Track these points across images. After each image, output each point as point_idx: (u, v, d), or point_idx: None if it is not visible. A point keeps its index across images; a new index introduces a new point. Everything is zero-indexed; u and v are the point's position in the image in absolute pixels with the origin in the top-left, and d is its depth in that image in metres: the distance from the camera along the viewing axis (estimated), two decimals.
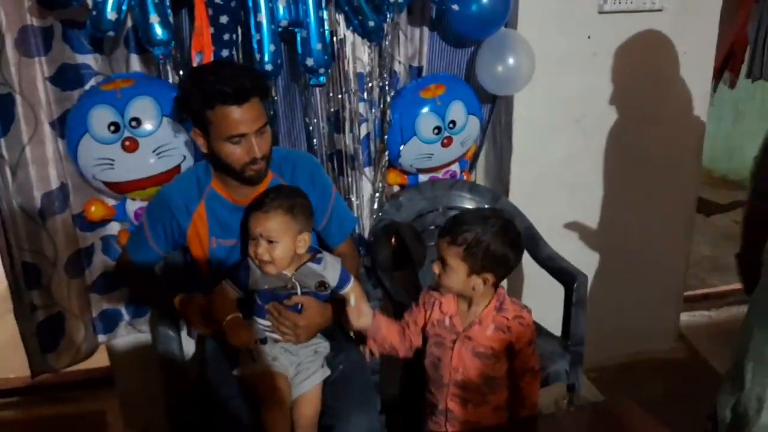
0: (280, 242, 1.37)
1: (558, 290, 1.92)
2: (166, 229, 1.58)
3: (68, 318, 1.90)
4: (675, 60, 2.23)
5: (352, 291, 1.43)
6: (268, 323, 1.47)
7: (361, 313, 1.40)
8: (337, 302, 1.49)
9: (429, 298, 1.44)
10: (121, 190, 1.78)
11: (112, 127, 1.67)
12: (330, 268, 1.45)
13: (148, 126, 1.69)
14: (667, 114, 2.31)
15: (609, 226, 2.39)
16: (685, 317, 2.74)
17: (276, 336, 1.47)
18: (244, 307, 1.48)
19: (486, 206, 2.07)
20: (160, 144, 1.71)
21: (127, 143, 1.68)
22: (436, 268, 1.36)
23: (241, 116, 1.39)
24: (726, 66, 3.27)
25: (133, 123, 1.68)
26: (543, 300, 2.05)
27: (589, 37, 2.13)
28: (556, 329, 1.94)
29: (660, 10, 2.14)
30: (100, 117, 1.67)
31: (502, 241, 1.31)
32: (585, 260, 1.94)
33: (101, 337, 1.99)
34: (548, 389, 1.89)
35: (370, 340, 1.43)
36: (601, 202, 2.37)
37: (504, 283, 2.38)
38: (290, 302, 1.45)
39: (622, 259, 2.45)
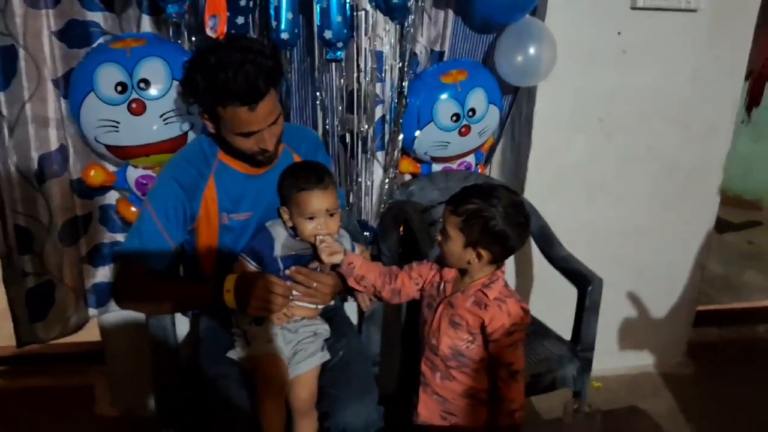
0: (337, 213, 1.43)
1: (569, 293, 1.86)
2: (177, 213, 1.41)
3: (59, 288, 1.83)
4: (706, 64, 2.14)
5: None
6: None
7: (332, 249, 1.40)
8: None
9: (437, 265, 1.44)
10: (123, 155, 1.70)
11: (119, 88, 1.60)
12: (344, 233, 1.51)
13: (156, 89, 1.62)
14: (694, 120, 2.22)
15: (626, 232, 2.31)
16: (694, 333, 2.65)
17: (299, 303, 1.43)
18: None
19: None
20: (168, 109, 1.64)
21: (133, 105, 1.60)
22: (438, 235, 1.35)
23: (253, 116, 1.31)
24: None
25: (142, 84, 1.60)
26: (554, 302, 1.98)
27: (619, 33, 2.05)
28: (566, 333, 1.87)
29: (695, 11, 2.05)
30: (107, 75, 1.59)
31: (505, 219, 1.27)
32: (598, 265, 1.87)
33: (92, 311, 1.93)
34: (553, 394, 1.83)
35: (351, 279, 1.44)
36: (620, 207, 2.28)
37: (512, 280, 2.29)
38: (313, 265, 1.45)
39: (636, 267, 2.37)
